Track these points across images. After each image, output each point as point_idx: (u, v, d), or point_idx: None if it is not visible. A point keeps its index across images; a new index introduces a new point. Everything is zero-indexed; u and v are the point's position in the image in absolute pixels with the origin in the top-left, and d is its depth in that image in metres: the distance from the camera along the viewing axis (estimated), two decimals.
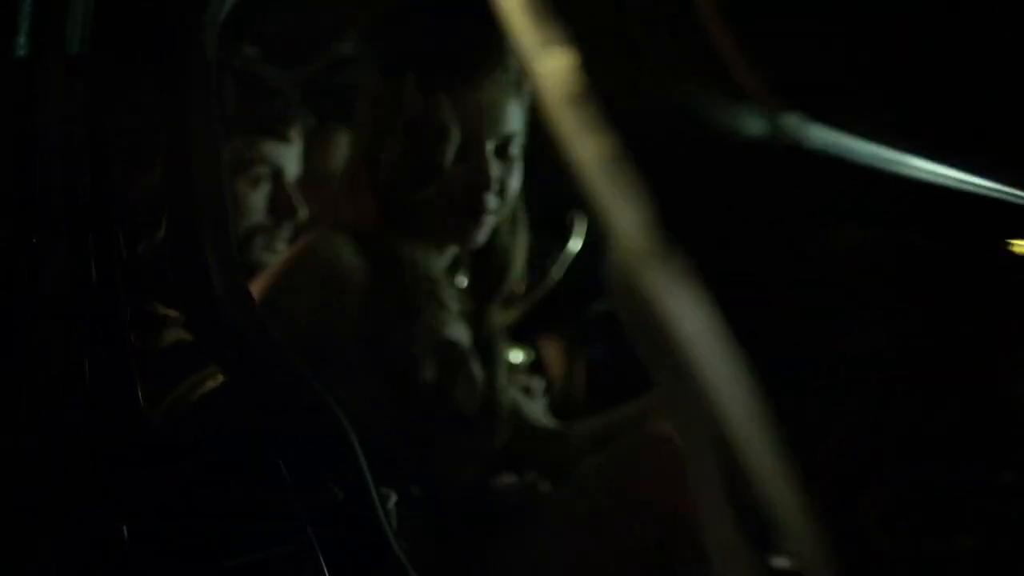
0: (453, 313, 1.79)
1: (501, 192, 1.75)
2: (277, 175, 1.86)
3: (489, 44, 1.71)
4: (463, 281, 1.87)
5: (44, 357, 1.02)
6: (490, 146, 1.72)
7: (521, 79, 1.74)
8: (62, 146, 1.02)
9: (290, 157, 1.89)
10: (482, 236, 1.76)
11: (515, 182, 1.77)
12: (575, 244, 3.08)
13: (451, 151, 1.69)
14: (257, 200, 1.84)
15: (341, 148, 2.48)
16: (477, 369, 1.79)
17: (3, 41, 1.01)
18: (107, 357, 1.04)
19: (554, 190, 3.63)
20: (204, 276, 1.10)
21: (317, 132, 2.00)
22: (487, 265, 1.85)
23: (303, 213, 1.88)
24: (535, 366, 2.96)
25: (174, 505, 1.07)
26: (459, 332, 1.79)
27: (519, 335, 3.00)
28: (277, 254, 1.85)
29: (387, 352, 1.71)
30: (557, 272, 2.98)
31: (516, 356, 2.83)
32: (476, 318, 1.86)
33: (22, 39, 1.02)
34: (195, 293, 1.11)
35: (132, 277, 1.08)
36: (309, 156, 1.98)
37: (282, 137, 1.85)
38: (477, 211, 1.74)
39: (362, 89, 1.75)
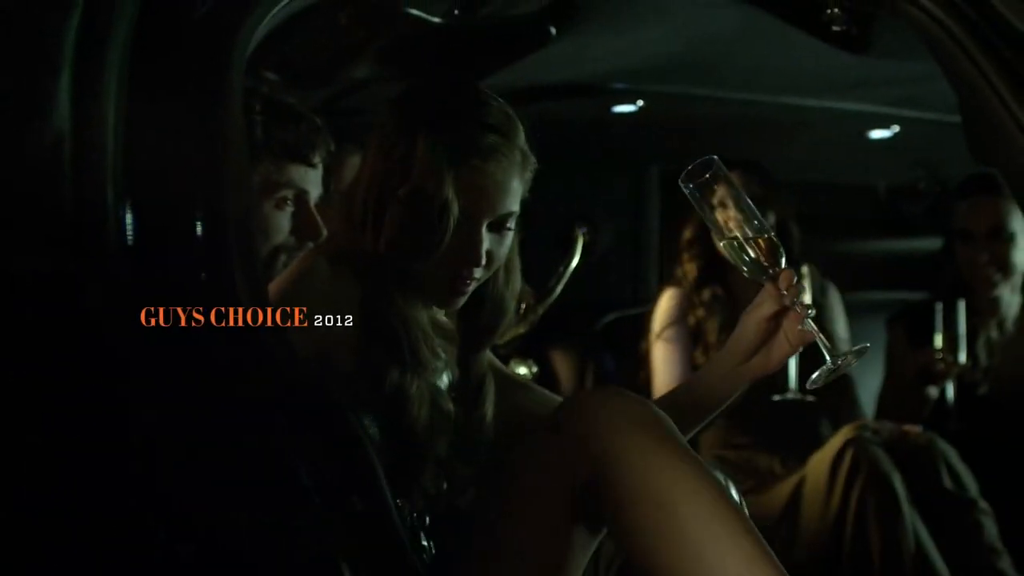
0: (438, 356, 1.79)
1: (489, 263, 1.75)
2: (301, 197, 1.93)
3: (503, 125, 1.72)
4: (449, 324, 1.89)
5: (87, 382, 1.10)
6: (486, 224, 1.72)
7: (526, 159, 1.75)
8: (100, 174, 1.11)
9: (314, 180, 1.96)
10: (461, 302, 1.78)
11: (505, 249, 1.78)
12: (579, 258, 3.16)
13: (451, 228, 1.69)
14: (282, 221, 1.91)
15: (352, 170, 2.57)
16: (457, 412, 1.80)
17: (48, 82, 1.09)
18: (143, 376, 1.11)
19: (559, 205, 3.71)
20: (232, 293, 1.18)
21: (335, 156, 2.08)
22: (479, 311, 1.85)
23: (325, 234, 1.95)
24: (542, 379, 3.04)
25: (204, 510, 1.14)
26: (441, 374, 1.81)
27: (527, 348, 3.08)
28: None
29: (369, 380, 1.71)
30: (562, 285, 3.05)
31: (522, 370, 2.91)
32: (465, 360, 1.87)
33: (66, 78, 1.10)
34: (214, 298, 1.18)
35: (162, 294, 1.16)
36: (326, 179, 2.05)
37: (307, 162, 1.93)
38: (460, 286, 1.75)
39: (376, 132, 1.75)
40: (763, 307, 1.70)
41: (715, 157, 1.69)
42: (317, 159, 1.94)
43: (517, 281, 1.89)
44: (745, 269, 1.69)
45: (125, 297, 1.08)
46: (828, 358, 1.67)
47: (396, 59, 2.43)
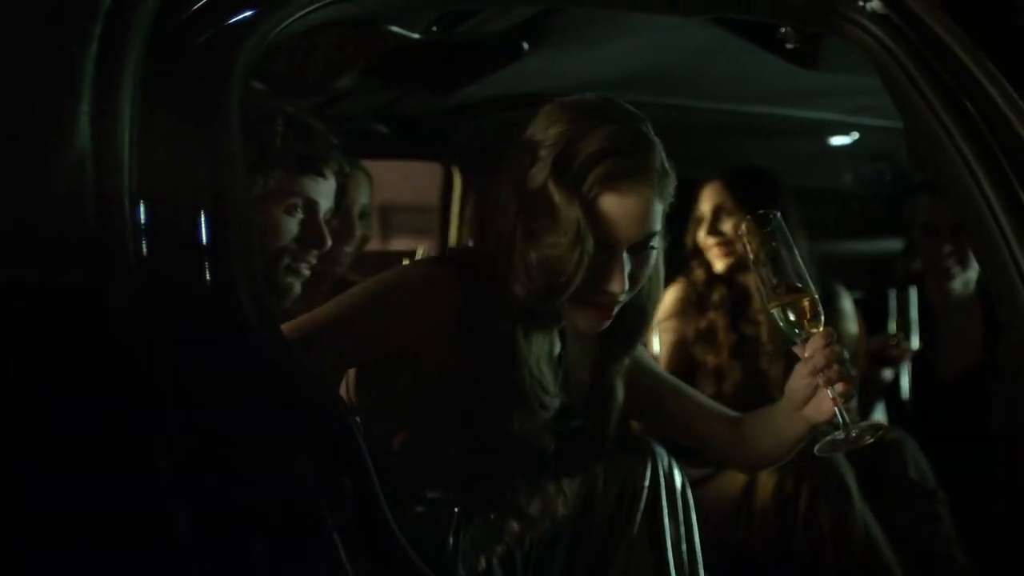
0: (546, 393, 1.77)
1: (633, 285, 1.71)
2: (311, 207, 2.05)
3: (631, 146, 1.67)
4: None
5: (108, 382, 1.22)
6: (626, 249, 1.68)
7: (664, 176, 1.71)
8: (118, 188, 1.23)
9: (324, 192, 2.06)
10: (606, 325, 1.75)
11: (649, 268, 1.74)
12: None
13: (584, 263, 1.64)
14: (289, 226, 2.01)
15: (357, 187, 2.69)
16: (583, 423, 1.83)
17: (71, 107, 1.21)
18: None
19: None
20: (234, 296, 1.30)
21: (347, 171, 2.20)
22: (619, 321, 1.80)
23: (329, 243, 2.07)
24: None
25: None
26: (553, 397, 1.78)
27: None
28: (300, 277, 2.06)
29: (459, 388, 1.73)
30: None
31: None
32: (600, 368, 1.87)
33: (86, 103, 1.22)
34: (225, 310, 1.31)
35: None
36: (340, 194, 2.18)
37: (319, 174, 2.05)
38: (605, 312, 1.72)
39: (506, 168, 1.74)
40: (806, 364, 1.72)
41: (777, 213, 1.71)
42: (328, 173, 2.06)
43: (660, 291, 1.87)
44: (783, 326, 1.71)
45: (143, 302, 1.21)
46: (841, 428, 1.69)
47: (379, 71, 2.54)
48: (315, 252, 2.06)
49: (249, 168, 1.91)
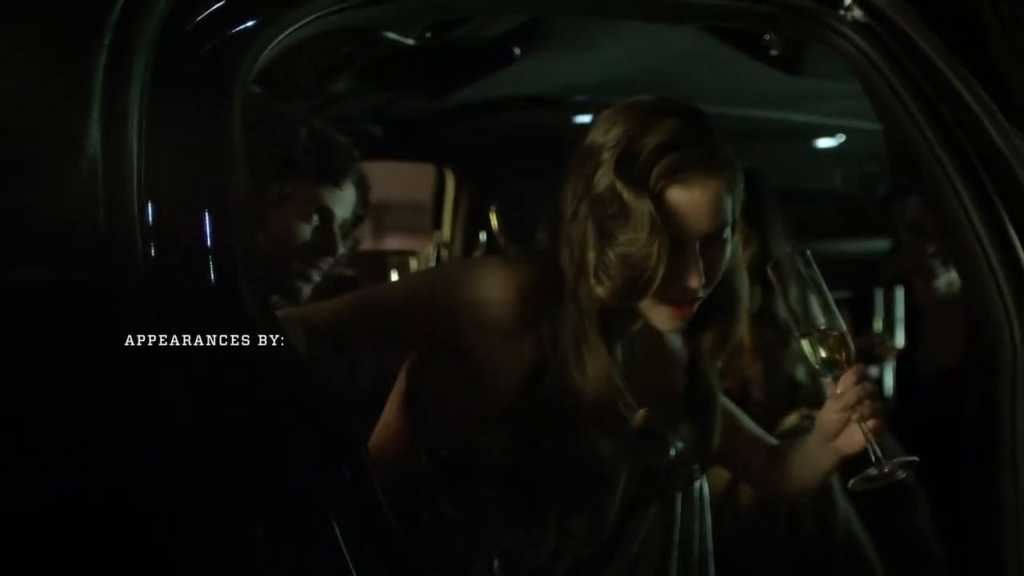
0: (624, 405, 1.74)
1: (710, 280, 1.69)
2: (325, 215, 2.11)
3: (692, 138, 1.66)
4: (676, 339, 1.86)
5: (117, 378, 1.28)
6: (698, 243, 1.66)
7: (728, 165, 1.69)
8: (127, 193, 1.29)
9: (341, 202, 2.13)
10: (686, 324, 1.73)
11: (725, 261, 1.71)
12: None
13: (663, 258, 1.62)
14: (303, 232, 2.08)
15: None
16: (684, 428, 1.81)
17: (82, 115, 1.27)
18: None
19: (519, 208, 3.82)
20: (236, 296, 1.36)
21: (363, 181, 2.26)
22: (707, 321, 1.80)
23: (340, 251, 2.13)
24: None
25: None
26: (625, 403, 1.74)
27: None
28: (310, 282, 2.12)
29: (530, 390, 1.72)
30: None
31: None
32: (693, 371, 1.85)
33: (96, 111, 1.27)
34: (227, 309, 1.36)
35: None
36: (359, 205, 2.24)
37: (336, 184, 2.12)
38: (684, 309, 1.70)
39: (574, 168, 1.71)
40: (838, 400, 1.73)
41: (807, 251, 1.74)
42: (346, 184, 2.13)
43: (744, 286, 1.84)
44: (815, 363, 1.73)
45: (152, 302, 1.26)
46: (874, 464, 1.69)
47: (374, 76, 2.60)
48: (328, 259, 2.13)
49: (269, 174, 1.99)
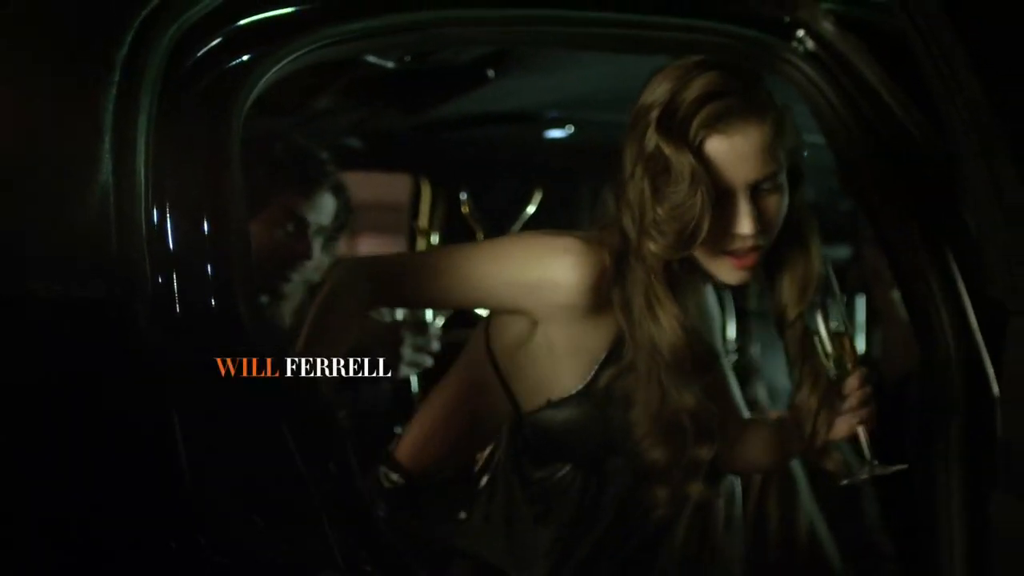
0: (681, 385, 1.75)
1: (766, 228, 1.69)
2: (301, 223, 2.28)
3: (730, 87, 1.67)
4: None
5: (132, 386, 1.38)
6: (746, 190, 1.66)
7: (770, 109, 1.70)
8: (136, 216, 1.41)
9: (316, 211, 2.30)
10: (749, 275, 1.74)
11: (779, 209, 1.70)
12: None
13: (708, 206, 1.63)
14: (280, 237, 2.26)
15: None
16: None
17: (95, 145, 1.39)
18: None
19: (499, 216, 3.89)
20: (233, 309, 1.48)
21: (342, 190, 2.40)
22: (782, 277, 1.81)
23: (316, 257, 2.29)
24: None
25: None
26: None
27: None
28: (290, 284, 2.26)
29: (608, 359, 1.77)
30: None
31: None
32: (780, 327, 1.85)
33: (107, 141, 1.40)
34: (225, 322, 1.49)
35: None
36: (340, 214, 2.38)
37: (310, 193, 2.27)
38: (743, 259, 1.71)
39: (630, 133, 1.73)
40: (843, 400, 1.81)
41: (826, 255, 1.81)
42: (319, 193, 2.28)
43: (815, 234, 1.82)
44: (824, 362, 1.79)
45: (159, 315, 1.39)
46: (867, 464, 1.79)
47: (355, 95, 2.72)
48: (304, 263, 2.28)
49: (250, 185, 2.12)
